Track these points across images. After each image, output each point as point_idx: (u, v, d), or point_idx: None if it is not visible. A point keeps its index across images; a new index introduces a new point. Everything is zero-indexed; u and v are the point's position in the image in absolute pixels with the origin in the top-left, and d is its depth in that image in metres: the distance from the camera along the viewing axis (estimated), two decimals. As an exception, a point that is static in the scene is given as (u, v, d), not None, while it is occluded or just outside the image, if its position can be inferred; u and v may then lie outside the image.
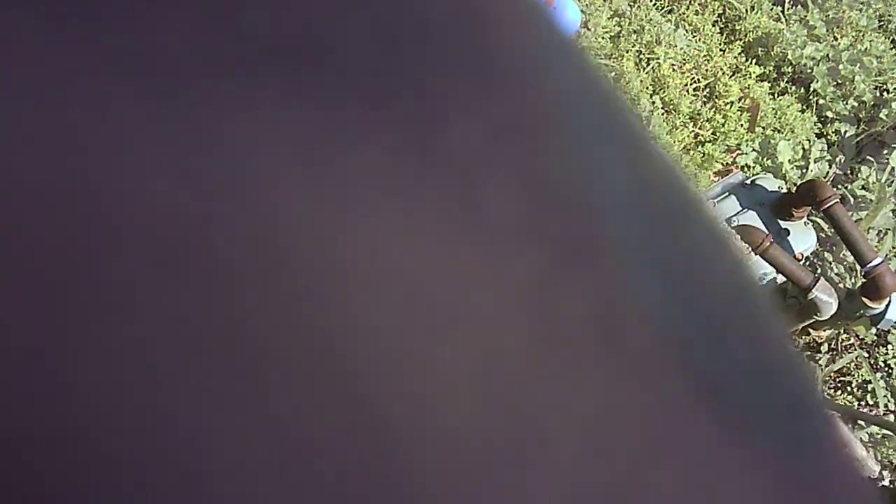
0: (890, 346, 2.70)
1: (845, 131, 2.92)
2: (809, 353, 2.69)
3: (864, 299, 2.35)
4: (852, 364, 2.69)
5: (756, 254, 2.15)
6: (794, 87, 2.98)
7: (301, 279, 0.11)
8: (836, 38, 3.11)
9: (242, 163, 0.12)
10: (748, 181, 2.49)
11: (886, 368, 2.70)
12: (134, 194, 0.11)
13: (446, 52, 0.14)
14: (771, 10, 3.14)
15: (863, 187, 2.79)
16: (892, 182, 2.76)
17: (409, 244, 0.12)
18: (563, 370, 0.13)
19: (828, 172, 2.83)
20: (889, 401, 2.63)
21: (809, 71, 2.97)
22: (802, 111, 2.91)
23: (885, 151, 2.87)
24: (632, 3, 2.83)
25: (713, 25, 3.01)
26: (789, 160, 2.73)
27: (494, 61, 0.14)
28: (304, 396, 0.11)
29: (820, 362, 2.67)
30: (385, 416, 0.12)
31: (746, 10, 3.07)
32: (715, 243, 0.17)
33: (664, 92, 2.67)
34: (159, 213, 0.11)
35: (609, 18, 2.70)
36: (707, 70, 2.83)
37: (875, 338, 2.71)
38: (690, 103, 2.70)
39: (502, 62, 0.15)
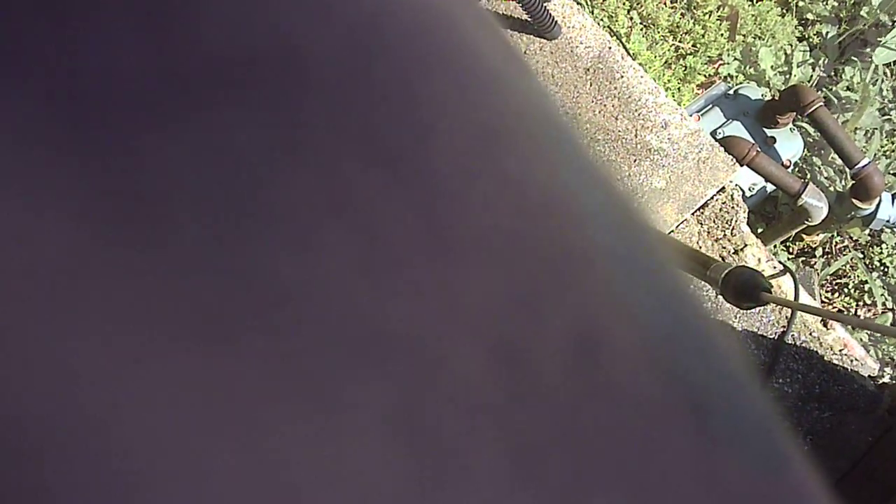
0: (884, 245, 2.71)
1: (827, 32, 2.88)
2: (804, 258, 2.69)
3: (854, 201, 2.36)
4: (847, 266, 2.70)
5: (743, 164, 2.14)
6: (772, -8, 2.93)
7: None
8: (812, -62, 3.05)
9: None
10: (731, 91, 2.47)
11: (882, 268, 2.71)
12: None
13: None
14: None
15: (847, 88, 2.77)
16: (877, 81, 2.74)
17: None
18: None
19: (811, 76, 2.80)
20: (886, 299, 2.64)
21: (788, -27, 2.92)
22: (782, 15, 2.87)
23: (868, 50, 2.84)
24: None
25: (687, -66, 2.95)
26: (772, 67, 2.70)
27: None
28: None
29: (815, 266, 2.68)
30: None
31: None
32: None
33: (641, 6, 2.63)
34: None
35: (580, -64, 2.64)
36: (684, -19, 2.78)
37: (868, 238, 2.72)
38: (669, 16, 2.66)
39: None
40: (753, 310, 1.70)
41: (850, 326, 1.90)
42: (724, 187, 1.75)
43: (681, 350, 0.16)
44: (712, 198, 1.75)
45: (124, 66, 0.12)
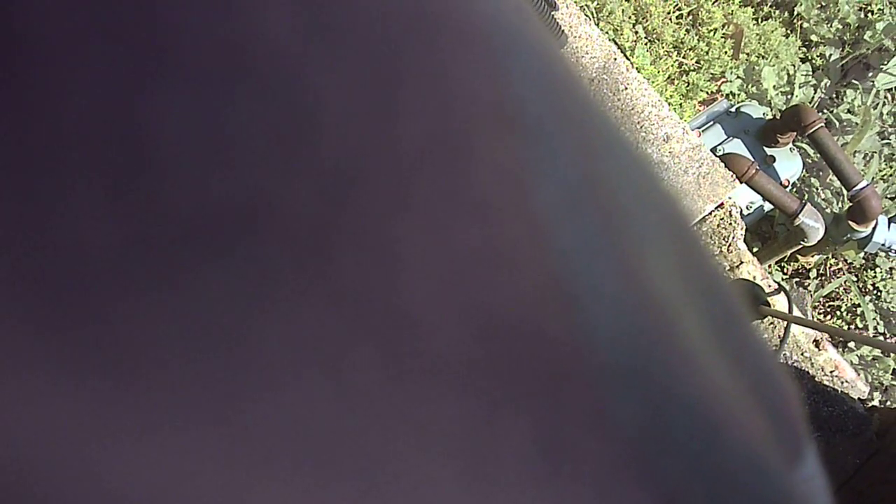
0: (878, 269, 2.71)
1: (830, 55, 2.89)
2: (798, 279, 2.70)
3: (850, 223, 2.36)
4: (841, 288, 2.70)
5: (742, 182, 2.14)
6: (777, 12, 2.94)
7: None
8: (819, -40, 3.06)
9: None
10: (733, 109, 2.47)
11: (875, 291, 2.72)
12: None
13: None
14: (753, -67, 3.08)
15: (848, 111, 2.77)
16: (878, 105, 2.74)
17: None
18: None
19: (813, 97, 2.81)
20: (878, 323, 2.65)
21: (793, -6, 2.93)
22: (787, 35, 2.88)
23: (871, 74, 2.85)
24: (611, -68, 2.77)
25: (695, -49, 2.96)
26: (774, 86, 2.71)
27: None
28: None
29: (809, 287, 2.68)
30: None
31: (728, -65, 3.01)
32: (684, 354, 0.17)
33: (647, 21, 2.63)
34: None
35: (589, -52, 2.65)
36: (690, -3, 2.79)
37: (863, 261, 2.72)
38: (674, 31, 2.67)
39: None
40: (747, 327, 1.69)
41: (841, 348, 1.90)
42: (722, 203, 1.75)
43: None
44: (710, 213, 1.75)
45: (91, 237, 0.12)
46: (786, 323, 1.66)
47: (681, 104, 2.61)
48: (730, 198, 1.77)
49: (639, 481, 0.15)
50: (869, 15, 2.96)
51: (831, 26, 2.90)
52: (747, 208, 2.39)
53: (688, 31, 2.73)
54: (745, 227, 1.80)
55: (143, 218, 0.12)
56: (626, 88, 1.75)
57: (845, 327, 2.68)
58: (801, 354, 1.72)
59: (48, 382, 0.11)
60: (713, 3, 2.80)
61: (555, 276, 0.15)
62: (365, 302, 0.13)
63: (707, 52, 2.70)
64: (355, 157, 0.13)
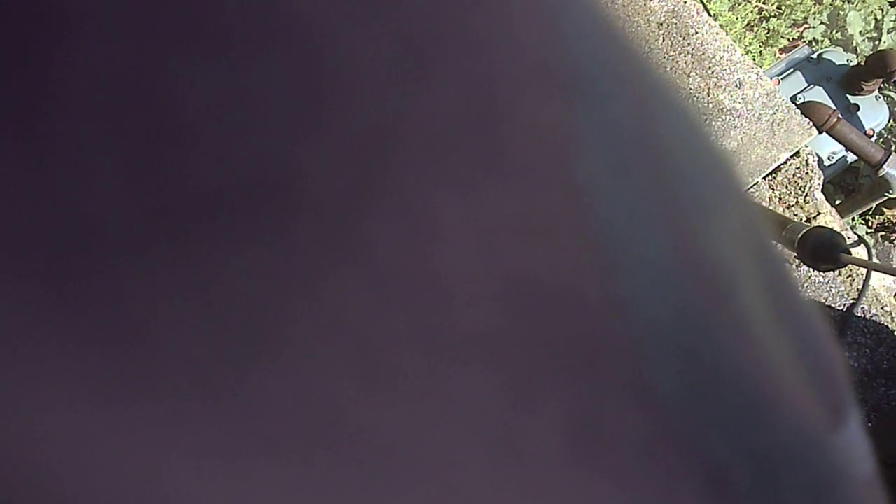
0: (970, 223, 2.60)
1: (922, -3, 2.75)
2: (884, 233, 2.61)
3: (940, 174, 2.26)
4: (930, 243, 2.61)
5: (822, 131, 2.07)
6: (866, -46, 2.81)
7: None
8: None
9: None
10: (814, 55, 2.38)
11: (966, 246, 2.61)
12: None
13: None
14: None
15: (940, 56, 2.65)
16: (973, 49, 2.61)
17: None
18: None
19: (902, 42, 2.69)
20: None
21: (884, -65, 2.80)
22: (875, -22, 2.76)
23: (966, 16, 2.71)
24: None
25: None
26: (860, 32, 2.60)
27: None
28: None
29: (895, 242, 2.59)
30: None
31: None
32: (738, 323, 0.16)
33: (725, -34, 2.55)
34: None
35: None
36: (772, -60, 2.69)
37: (954, 214, 2.62)
38: (753, -23, 2.58)
39: None
40: (822, 279, 1.65)
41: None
42: (798, 151, 1.69)
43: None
44: (786, 162, 1.69)
45: (106, 208, 0.11)
46: (865, 274, 1.60)
47: (760, 52, 2.53)
48: (806, 146, 1.71)
49: (681, 456, 0.15)
50: (965, -46, 2.81)
51: (924, -33, 2.77)
52: (829, 159, 2.32)
53: (769, -25, 2.64)
54: (823, 178, 1.74)
55: (164, 189, 0.11)
56: (697, 33, 1.70)
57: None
58: (881, 308, 1.67)
59: (54, 360, 0.11)
60: (796, -54, 2.69)
61: (597, 244, 0.14)
62: (395, 274, 0.13)
63: (789, -3, 2.60)
64: (389, 124, 0.13)
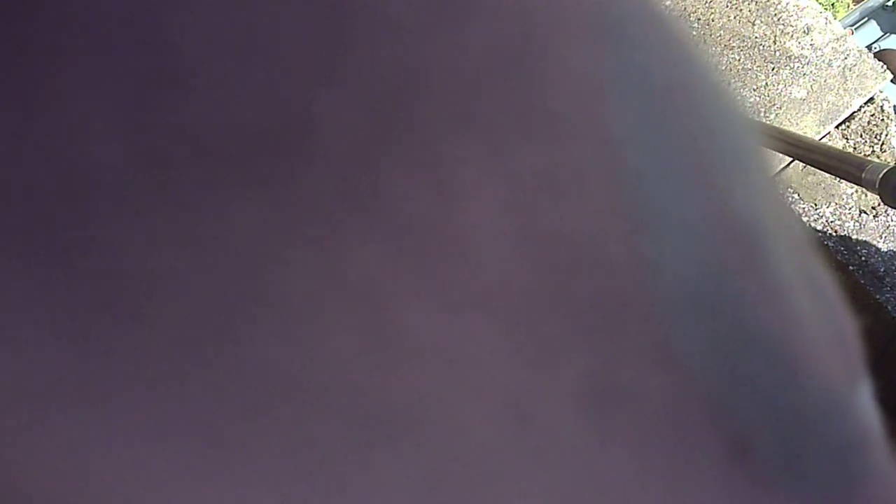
0: None
1: None
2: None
3: None
4: None
5: (899, 79, 2.00)
6: None
7: None
8: None
9: None
10: (889, 2, 2.30)
11: None
12: None
13: None
14: None
15: None
16: None
17: None
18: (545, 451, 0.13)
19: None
20: None
21: None
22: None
23: None
24: None
25: None
26: (939, -24, 2.50)
27: None
28: None
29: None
30: None
31: None
32: (763, 281, 0.16)
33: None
34: None
35: None
36: None
37: None
38: (823, -74, 2.50)
39: None
40: (876, 219, 1.60)
41: None
42: (872, 98, 1.64)
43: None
44: (859, 109, 1.64)
45: (98, 152, 0.11)
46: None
47: (833, 3, 2.46)
48: (881, 91, 1.65)
49: (705, 419, 0.14)
50: None
51: None
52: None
53: (840, -76, 2.56)
54: (900, 125, 1.68)
55: (162, 134, 0.11)
56: (762, -21, 1.66)
57: None
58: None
59: (40, 319, 0.11)
60: None
61: (623, 199, 0.13)
62: (411, 229, 0.12)
63: (862, -54, 2.52)
64: (410, 69, 0.12)
